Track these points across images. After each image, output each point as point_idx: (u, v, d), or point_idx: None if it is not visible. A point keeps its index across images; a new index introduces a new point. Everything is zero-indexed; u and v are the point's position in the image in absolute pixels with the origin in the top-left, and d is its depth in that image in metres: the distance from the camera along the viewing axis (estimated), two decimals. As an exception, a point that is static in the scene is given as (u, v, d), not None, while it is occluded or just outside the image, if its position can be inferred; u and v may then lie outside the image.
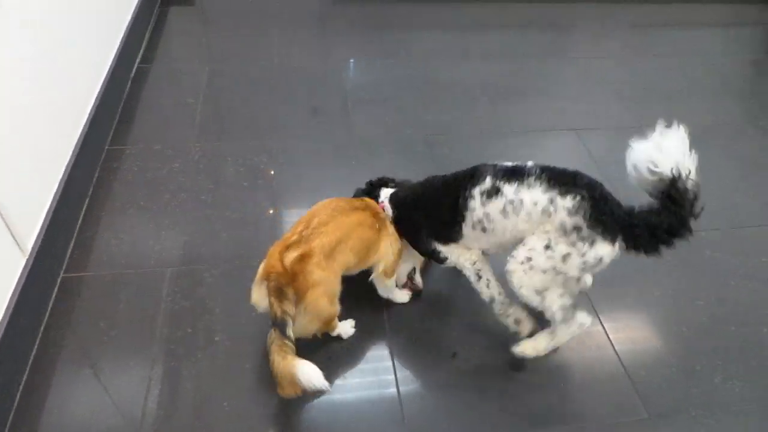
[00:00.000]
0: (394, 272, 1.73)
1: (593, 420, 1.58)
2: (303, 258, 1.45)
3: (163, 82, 2.75)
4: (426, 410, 1.58)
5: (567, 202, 1.41)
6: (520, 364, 1.69)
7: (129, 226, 2.01)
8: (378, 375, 1.65)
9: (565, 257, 1.44)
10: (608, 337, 1.80)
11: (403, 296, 1.82)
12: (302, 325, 1.48)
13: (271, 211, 2.12)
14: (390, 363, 1.67)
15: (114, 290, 1.80)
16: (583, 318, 1.57)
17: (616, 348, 1.77)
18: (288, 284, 1.42)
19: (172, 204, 2.10)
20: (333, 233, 1.51)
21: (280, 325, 1.39)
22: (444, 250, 1.68)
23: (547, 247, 1.45)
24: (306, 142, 2.45)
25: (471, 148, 2.49)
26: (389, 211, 1.74)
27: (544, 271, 1.47)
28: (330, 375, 1.50)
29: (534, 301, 1.53)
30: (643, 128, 2.84)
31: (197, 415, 1.51)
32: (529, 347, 1.63)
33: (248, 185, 2.21)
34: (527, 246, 1.48)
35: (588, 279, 1.68)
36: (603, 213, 1.40)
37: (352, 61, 3.06)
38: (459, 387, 1.63)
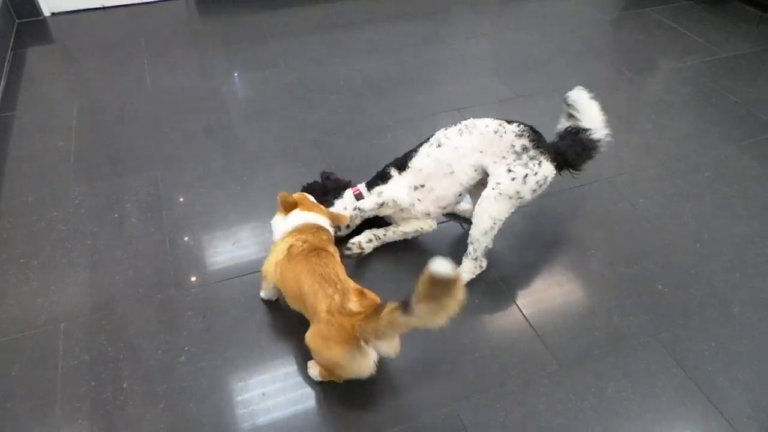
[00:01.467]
0: None
1: (509, 380, 1.65)
2: (361, 293, 1.49)
3: (29, 129, 2.58)
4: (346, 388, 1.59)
5: (513, 127, 1.80)
6: (431, 338, 1.74)
7: (12, 287, 1.87)
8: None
9: (524, 178, 1.73)
10: (516, 303, 1.88)
11: None
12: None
13: (186, 238, 2.05)
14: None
15: (5, 359, 1.68)
16: (485, 262, 1.92)
17: (523, 312, 1.85)
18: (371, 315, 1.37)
19: (56, 255, 1.97)
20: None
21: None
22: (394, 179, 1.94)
23: (509, 170, 1.74)
24: (192, 165, 2.38)
25: (360, 144, 2.52)
26: (365, 193, 1.99)
27: (510, 197, 1.75)
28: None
29: (485, 230, 1.80)
30: (517, 99, 3.00)
31: (113, 469, 1.44)
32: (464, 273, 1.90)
33: (137, 220, 2.12)
34: (494, 175, 1.77)
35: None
36: (540, 137, 1.80)
37: (233, 75, 3.01)
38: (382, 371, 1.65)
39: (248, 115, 2.71)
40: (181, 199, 2.22)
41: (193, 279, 1.92)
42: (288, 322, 1.77)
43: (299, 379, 1.65)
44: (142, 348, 1.71)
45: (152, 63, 3.07)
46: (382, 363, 1.67)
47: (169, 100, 2.80)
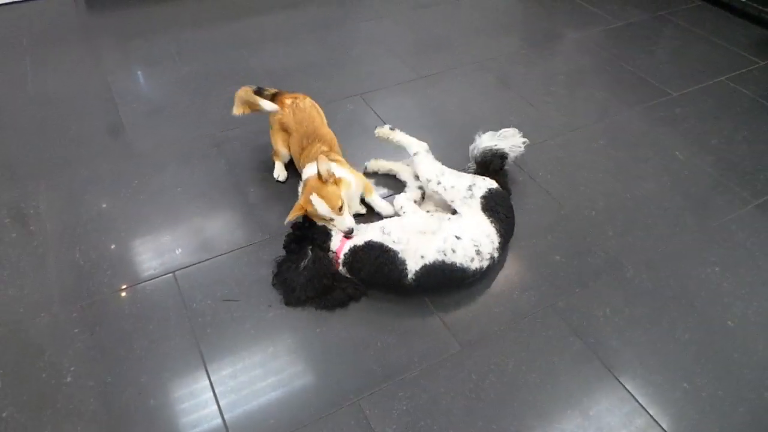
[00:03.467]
0: None
1: (411, 367, 1.64)
2: None
3: None
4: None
5: None
6: (333, 333, 1.71)
7: None
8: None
9: None
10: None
11: None
12: None
13: (71, 252, 1.92)
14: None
15: None
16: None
17: (426, 297, 1.84)
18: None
19: None
20: None
21: None
22: None
23: None
24: (78, 172, 2.23)
25: (261, 138, 2.43)
26: None
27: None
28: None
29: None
30: (420, 80, 2.94)
31: None
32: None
33: (17, 235, 1.97)
34: None
35: None
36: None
37: (125, 72, 2.83)
38: (274, 370, 1.61)
39: (141, 114, 2.56)
40: (66, 209, 2.07)
41: (80, 294, 1.80)
42: (182, 331, 1.70)
43: (196, 387, 1.58)
44: (24, 372, 1.59)
45: (36, 63, 2.85)
46: (281, 368, 1.63)
47: (53, 102, 2.60)
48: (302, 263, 1.76)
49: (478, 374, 1.63)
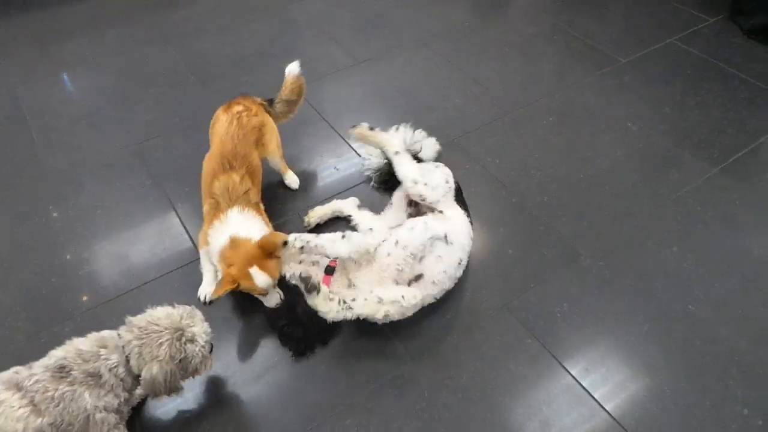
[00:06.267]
0: None
1: (356, 392, 1.52)
2: None
3: None
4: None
5: None
6: (277, 369, 1.57)
7: None
8: None
9: None
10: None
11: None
12: None
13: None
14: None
15: None
16: None
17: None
18: None
19: None
20: None
21: None
22: None
23: None
24: (-15, 202, 2.02)
25: (188, 144, 2.23)
26: None
27: None
28: None
29: None
30: (357, 65, 2.71)
31: None
32: None
33: None
34: None
35: None
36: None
37: (27, 83, 2.58)
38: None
39: (55, 128, 2.32)
40: (-30, 247, 1.87)
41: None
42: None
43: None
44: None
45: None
46: (229, 400, 1.49)
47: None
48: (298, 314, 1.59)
49: (430, 391, 1.52)
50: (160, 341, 1.26)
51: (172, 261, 1.83)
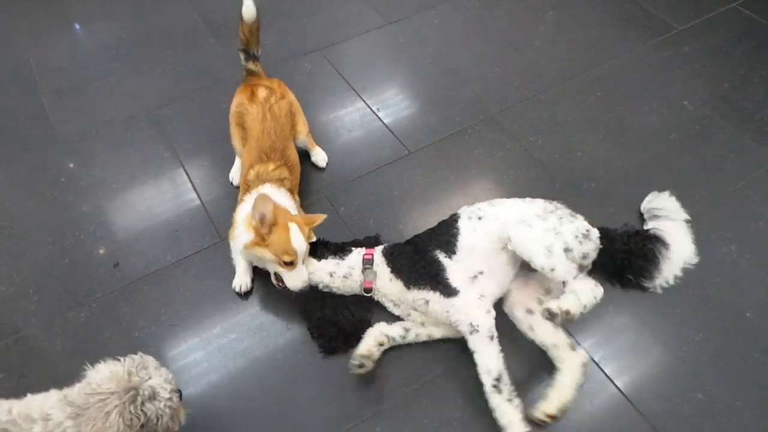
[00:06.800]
0: None
1: (397, 391, 1.43)
2: None
3: None
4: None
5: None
6: (298, 382, 1.48)
7: None
8: None
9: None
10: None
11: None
12: None
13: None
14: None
15: None
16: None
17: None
18: None
19: None
20: None
21: None
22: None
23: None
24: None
25: (209, 111, 2.09)
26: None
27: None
28: None
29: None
30: (389, 26, 2.46)
31: None
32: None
33: None
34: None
35: None
36: None
37: (43, 41, 2.41)
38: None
39: (66, 91, 2.18)
40: (-20, 222, 1.78)
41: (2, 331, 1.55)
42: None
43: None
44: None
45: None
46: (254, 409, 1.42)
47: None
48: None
49: (464, 397, 1.43)
50: (106, 411, 1.01)
51: (189, 245, 1.72)
